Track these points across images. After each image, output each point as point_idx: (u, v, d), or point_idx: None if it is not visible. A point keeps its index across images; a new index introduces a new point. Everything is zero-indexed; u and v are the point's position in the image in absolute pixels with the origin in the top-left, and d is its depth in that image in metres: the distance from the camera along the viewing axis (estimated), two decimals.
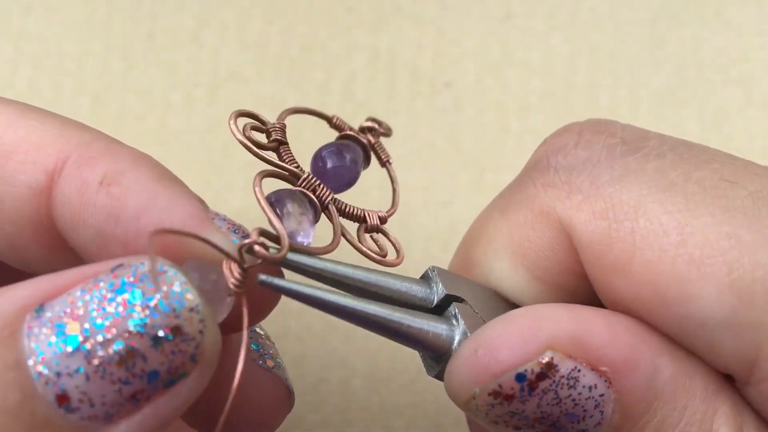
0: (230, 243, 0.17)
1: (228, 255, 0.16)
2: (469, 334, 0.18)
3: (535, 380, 0.16)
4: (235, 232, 0.18)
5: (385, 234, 0.21)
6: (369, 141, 0.22)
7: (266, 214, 0.17)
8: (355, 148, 0.22)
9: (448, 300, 0.19)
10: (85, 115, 0.37)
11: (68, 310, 0.15)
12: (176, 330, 0.15)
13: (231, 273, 0.16)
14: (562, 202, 0.18)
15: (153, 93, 0.37)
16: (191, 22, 0.38)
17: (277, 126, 0.20)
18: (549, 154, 0.19)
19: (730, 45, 0.37)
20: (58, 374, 0.14)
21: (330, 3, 0.38)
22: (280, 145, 0.20)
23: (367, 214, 0.20)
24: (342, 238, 0.19)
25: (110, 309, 0.15)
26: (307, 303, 0.17)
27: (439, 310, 0.19)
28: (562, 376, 0.16)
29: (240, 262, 0.16)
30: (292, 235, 0.17)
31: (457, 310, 0.18)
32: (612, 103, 0.36)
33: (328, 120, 0.22)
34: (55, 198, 0.17)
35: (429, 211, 0.35)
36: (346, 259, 0.19)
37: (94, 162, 0.17)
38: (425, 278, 0.20)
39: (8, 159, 0.18)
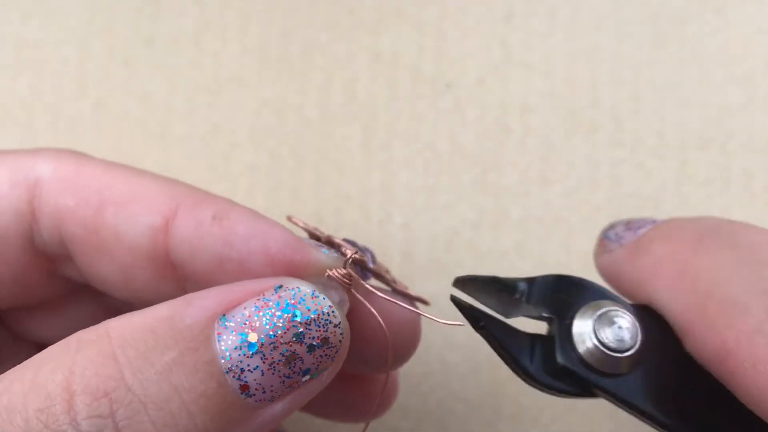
0: (329, 256, 0.22)
1: (355, 275, 0.22)
2: None
3: None
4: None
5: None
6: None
7: (346, 246, 0.23)
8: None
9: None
10: (87, 120, 0.37)
11: (248, 322, 0.19)
12: (324, 340, 0.20)
13: (340, 277, 0.22)
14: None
15: (154, 97, 0.37)
16: (192, 26, 0.38)
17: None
18: None
19: (731, 43, 0.37)
20: (242, 370, 0.19)
21: (330, 5, 0.38)
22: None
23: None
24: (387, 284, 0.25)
25: (279, 324, 0.20)
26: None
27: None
28: None
29: (353, 268, 0.22)
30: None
31: None
32: (614, 103, 0.36)
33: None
34: (173, 236, 0.22)
35: (431, 212, 0.35)
36: None
37: (201, 206, 0.22)
38: None
39: (128, 205, 0.23)
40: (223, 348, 0.19)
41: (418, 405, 0.33)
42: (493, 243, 0.35)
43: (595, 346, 0.20)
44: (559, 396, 0.21)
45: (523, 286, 0.22)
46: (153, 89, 0.37)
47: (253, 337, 0.19)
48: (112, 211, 0.23)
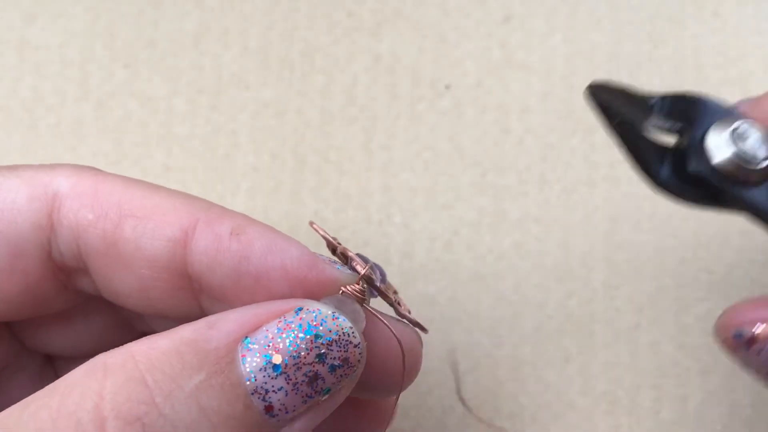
0: (343, 272, 0.23)
1: (371, 284, 0.23)
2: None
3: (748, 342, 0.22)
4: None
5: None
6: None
7: (358, 261, 0.23)
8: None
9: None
10: (89, 121, 0.37)
11: (271, 344, 0.20)
12: (345, 360, 0.20)
13: (354, 292, 0.22)
14: None
15: (156, 99, 0.37)
16: (193, 28, 0.38)
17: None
18: None
19: (728, 44, 0.37)
20: (267, 391, 0.20)
21: (330, 7, 0.38)
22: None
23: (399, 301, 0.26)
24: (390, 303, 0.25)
25: (302, 345, 0.20)
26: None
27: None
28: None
29: (365, 283, 0.23)
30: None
31: None
32: None
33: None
34: (192, 249, 0.23)
35: (431, 212, 0.35)
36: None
37: (220, 220, 0.23)
38: None
39: (148, 219, 0.23)
40: (248, 370, 0.20)
41: (417, 404, 0.33)
42: (492, 243, 0.35)
43: (730, 158, 0.21)
44: (686, 204, 0.21)
45: (655, 99, 0.22)
46: (154, 91, 0.37)
47: (277, 359, 0.20)
48: (132, 225, 0.23)
